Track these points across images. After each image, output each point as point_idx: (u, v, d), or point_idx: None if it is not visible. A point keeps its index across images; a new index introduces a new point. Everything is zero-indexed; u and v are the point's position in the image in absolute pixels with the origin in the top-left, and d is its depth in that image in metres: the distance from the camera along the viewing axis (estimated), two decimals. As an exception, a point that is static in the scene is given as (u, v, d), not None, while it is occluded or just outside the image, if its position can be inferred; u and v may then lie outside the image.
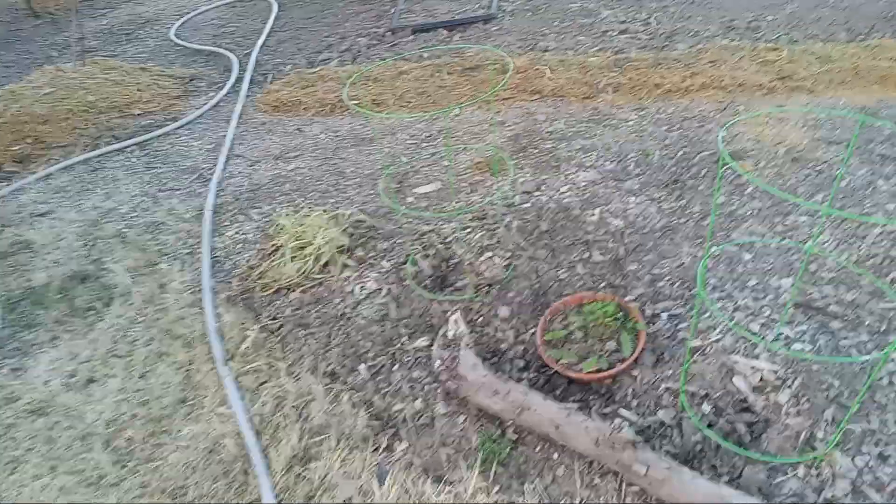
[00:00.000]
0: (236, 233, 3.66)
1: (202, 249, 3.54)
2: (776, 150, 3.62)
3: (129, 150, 4.66)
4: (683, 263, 2.98)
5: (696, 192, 3.42)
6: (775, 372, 2.21)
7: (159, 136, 4.78)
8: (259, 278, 3.24)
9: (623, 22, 5.44)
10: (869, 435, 2.10)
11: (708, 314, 2.62)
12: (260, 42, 6.06)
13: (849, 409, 2.14)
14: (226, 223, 3.76)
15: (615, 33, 5.25)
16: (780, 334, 2.38)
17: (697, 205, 3.34)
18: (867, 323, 2.52)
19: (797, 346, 2.33)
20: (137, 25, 7.08)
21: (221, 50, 6.05)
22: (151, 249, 3.63)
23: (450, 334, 2.53)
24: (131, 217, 3.93)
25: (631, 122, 4.14)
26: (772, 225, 3.14)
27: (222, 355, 2.88)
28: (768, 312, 2.61)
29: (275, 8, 6.84)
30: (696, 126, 3.98)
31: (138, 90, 5.34)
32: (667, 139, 3.91)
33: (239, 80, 5.46)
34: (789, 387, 2.17)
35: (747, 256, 2.94)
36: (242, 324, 3.01)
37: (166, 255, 3.58)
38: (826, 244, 2.96)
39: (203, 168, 4.35)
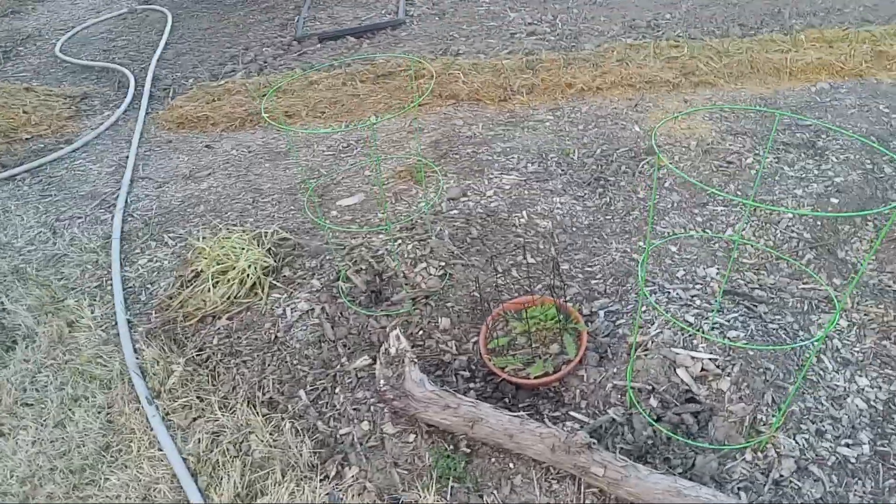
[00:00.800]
0: (149, 260, 3.43)
1: (113, 281, 3.29)
2: (688, 143, 3.76)
3: (18, 178, 4.29)
4: (614, 259, 3.04)
5: (618, 188, 3.50)
6: (714, 360, 2.27)
7: (52, 161, 4.43)
8: (180, 307, 3.04)
9: (530, 24, 5.52)
10: (806, 413, 2.19)
11: (644, 308, 2.67)
12: (156, 55, 5.74)
13: (785, 390, 2.23)
14: (136, 251, 3.52)
15: (524, 35, 5.32)
16: (716, 323, 2.45)
17: (620, 201, 3.41)
18: (790, 304, 2.64)
19: (732, 333, 2.41)
20: (17, 42, 6.55)
21: (114, 65, 5.69)
22: (55, 285, 3.34)
23: (392, 351, 2.45)
24: (28, 251, 3.61)
25: (548, 123, 4.20)
26: (691, 216, 3.25)
27: (147, 393, 2.68)
28: (699, 302, 2.69)
29: (170, 19, 6.51)
30: (611, 124, 4.08)
31: (24, 112, 4.93)
32: (584, 138, 3.98)
33: (137, 96, 5.15)
34: (729, 374, 2.24)
35: (673, 248, 3.03)
36: (167, 358, 2.82)
37: (72, 289, 3.31)
38: (744, 231, 3.09)
39: (105, 193, 4.05)
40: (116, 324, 3.05)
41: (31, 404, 2.73)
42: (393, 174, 3.83)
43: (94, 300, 3.23)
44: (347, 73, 4.93)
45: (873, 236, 2.93)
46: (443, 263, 2.93)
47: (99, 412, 2.66)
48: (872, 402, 2.25)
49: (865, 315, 2.57)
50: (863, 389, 2.28)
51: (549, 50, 5.03)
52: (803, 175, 3.40)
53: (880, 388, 2.29)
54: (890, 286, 2.71)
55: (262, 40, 5.85)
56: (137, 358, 2.86)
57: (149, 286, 3.28)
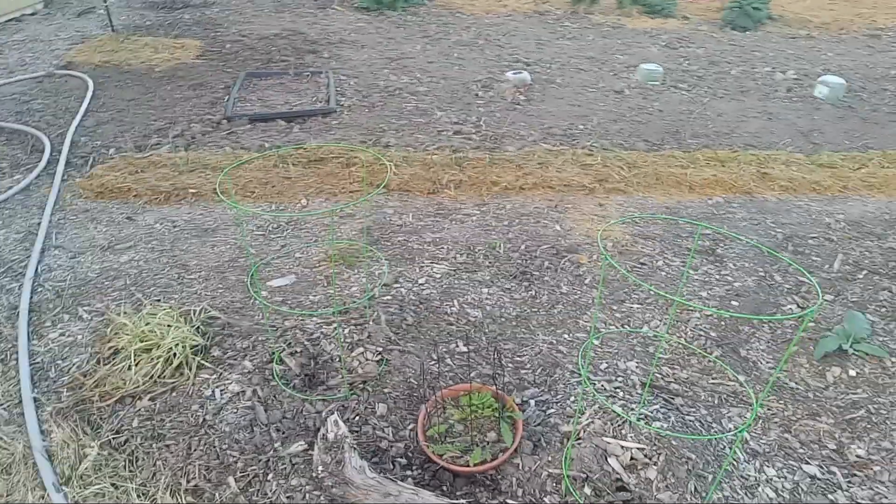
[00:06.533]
0: (61, 335, 3.24)
1: (19, 355, 3.08)
2: (605, 244, 4.06)
3: (-89, 239, 3.98)
4: (541, 351, 3.18)
5: (542, 283, 3.70)
6: (643, 450, 2.41)
7: (-48, 223, 4.15)
8: (96, 386, 2.87)
9: (456, 123, 5.85)
10: (724, 501, 2.35)
11: (572, 398, 2.80)
12: (76, 121, 5.58)
13: (705, 479, 2.39)
14: (47, 324, 3.31)
15: (450, 133, 5.62)
16: (641, 415, 2.61)
17: (545, 294, 3.60)
18: (702, 398, 2.86)
19: (655, 423, 2.57)
20: (-84, 96, 6.18)
21: (28, 128, 5.48)
22: (-51, 357, 3.08)
23: (330, 436, 2.43)
24: (-81, 319, 3.32)
25: (474, 217, 4.41)
26: (611, 312, 3.47)
27: (54, 479, 2.48)
28: (622, 394, 2.86)
29: (91, 86, 6.38)
30: (533, 222, 4.34)
31: (-78, 170, 4.62)
32: (509, 233, 4.21)
33: (52, 161, 4.96)
34: (656, 464, 2.37)
35: (596, 342, 3.22)
36: (79, 440, 2.63)
37: (-30, 363, 3.06)
38: (657, 328, 3.34)
39: (12, 260, 3.82)
40: (21, 402, 2.83)
41: (-85, 491, 2.46)
42: (324, 258, 3.87)
43: (-4, 375, 2.99)
44: (279, 156, 4.99)
45: (770, 336, 3.25)
46: (380, 349, 2.96)
47: (-3, 500, 2.43)
48: (780, 491, 2.44)
49: (769, 409, 2.82)
50: (771, 479, 2.48)
51: (475, 149, 5.33)
52: (706, 279, 3.74)
53: (786, 478, 2.49)
54: (787, 383, 2.99)
55: (191, 116, 5.84)
56: (45, 440, 2.66)
57: (59, 362, 3.08)
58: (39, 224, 4.15)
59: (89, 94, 6.21)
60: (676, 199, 4.68)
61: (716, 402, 2.85)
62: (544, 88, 6.87)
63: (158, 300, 3.44)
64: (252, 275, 3.60)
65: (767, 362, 3.11)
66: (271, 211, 4.40)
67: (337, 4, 10.05)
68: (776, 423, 2.75)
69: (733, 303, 3.52)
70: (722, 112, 6.38)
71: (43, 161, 4.92)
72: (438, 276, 3.73)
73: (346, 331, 3.05)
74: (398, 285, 3.61)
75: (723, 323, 3.35)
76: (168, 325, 3.09)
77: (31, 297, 3.49)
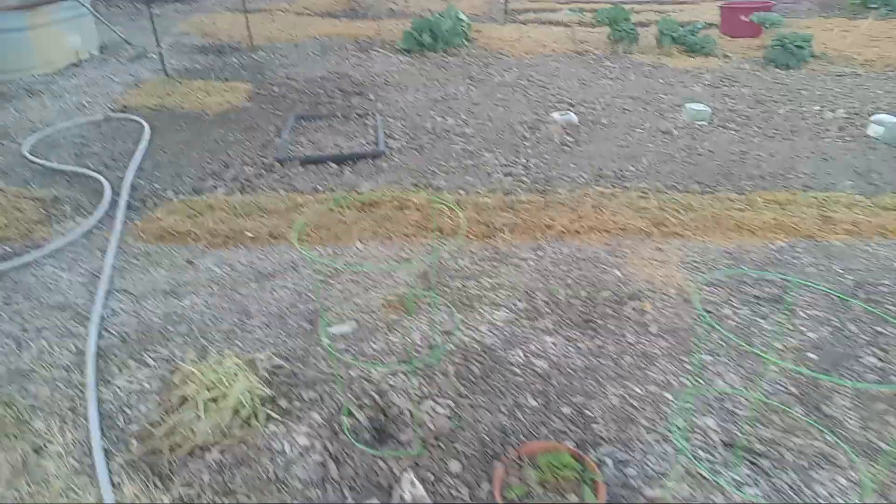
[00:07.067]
0: (129, 381, 3.24)
1: (88, 403, 3.08)
2: (667, 290, 3.97)
3: (-20, 282, 4.06)
4: (613, 405, 3.08)
5: (607, 331, 3.61)
6: (736, 518, 2.30)
7: (18, 266, 4.22)
8: (165, 437, 2.85)
9: (505, 165, 5.85)
10: (827, 577, 2.22)
11: (652, 457, 2.69)
12: (134, 164, 5.71)
13: (803, 551, 2.26)
14: (114, 370, 3.32)
15: (500, 175, 5.61)
16: (730, 479, 2.50)
17: (611, 344, 3.52)
18: (790, 460, 2.73)
19: (747, 489, 2.45)
20: (-20, 139, 6.40)
21: (88, 171, 5.61)
22: (19, 404, 3.09)
23: (407, 497, 2.37)
24: (-11, 364, 3.35)
25: (531, 262, 4.35)
26: (680, 363, 3.37)
27: (127, 536, 2.45)
28: (702, 453, 2.74)
29: (147, 130, 6.54)
30: (592, 266, 4.27)
31: (-11, 213, 4.74)
32: (567, 279, 4.14)
33: (112, 204, 5.05)
34: (751, 533, 2.26)
35: (669, 396, 3.11)
36: (150, 495, 2.60)
37: (40, 410, 3.06)
38: (731, 381, 3.22)
39: (77, 304, 3.87)
40: (91, 452, 2.82)
41: (-10, 545, 2.45)
42: (384, 303, 3.85)
43: (66, 423, 2.99)
44: (332, 199, 5.02)
45: (854, 392, 3.11)
46: (451, 403, 2.90)
47: (71, 556, 2.40)
48: (883, 565, 2.30)
49: (862, 475, 2.68)
50: (872, 551, 2.34)
51: (526, 191, 5.31)
52: (778, 329, 3.62)
53: (888, 550, 2.35)
54: (875, 443, 2.84)
55: (244, 159, 5.93)
56: (116, 493, 2.63)
57: (127, 410, 3.07)
58: (102, 268, 4.21)
59: (146, 137, 6.36)
60: (737, 244, 4.58)
61: (805, 464, 2.71)
62: (591, 129, 6.86)
63: (222, 346, 3.44)
64: (323, 324, 3.57)
65: (854, 421, 2.97)
66: (349, 264, 4.40)
67: (378, 47, 10.24)
68: (874, 489, 2.61)
69: (810, 355, 3.39)
70: (774, 152, 6.28)
71: (104, 204, 5.02)
72: (500, 323, 3.67)
73: (415, 382, 3.00)
74: (460, 332, 3.55)
75: (802, 377, 3.22)
76: (234, 374, 3.07)
77: (98, 342, 3.51)
